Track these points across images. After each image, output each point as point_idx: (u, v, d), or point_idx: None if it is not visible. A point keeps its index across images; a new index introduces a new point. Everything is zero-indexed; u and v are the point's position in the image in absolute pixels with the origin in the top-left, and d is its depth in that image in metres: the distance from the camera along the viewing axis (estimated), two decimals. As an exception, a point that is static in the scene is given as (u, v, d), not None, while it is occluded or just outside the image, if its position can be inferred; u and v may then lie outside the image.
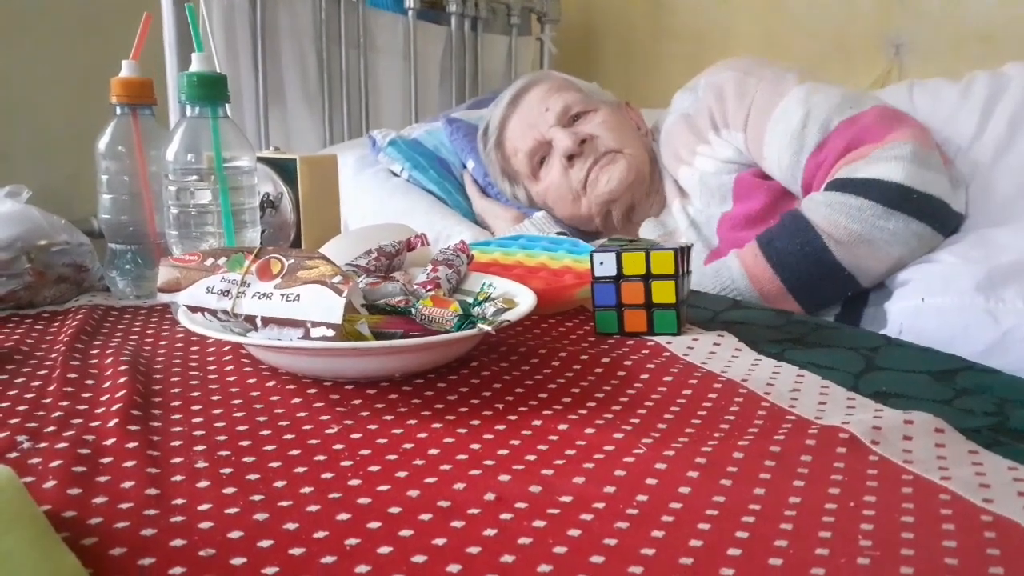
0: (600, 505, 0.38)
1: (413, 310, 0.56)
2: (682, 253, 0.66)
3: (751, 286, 0.89)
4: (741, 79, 1.02)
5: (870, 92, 1.02)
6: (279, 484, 0.40)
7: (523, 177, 1.16)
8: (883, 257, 0.85)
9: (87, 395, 0.52)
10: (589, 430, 0.47)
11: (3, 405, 0.51)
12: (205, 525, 0.36)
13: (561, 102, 1.12)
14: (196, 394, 0.53)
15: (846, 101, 0.94)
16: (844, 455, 0.43)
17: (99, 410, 0.49)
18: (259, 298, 0.52)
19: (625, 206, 1.12)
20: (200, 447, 0.44)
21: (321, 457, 0.43)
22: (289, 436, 0.46)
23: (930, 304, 0.78)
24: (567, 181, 1.10)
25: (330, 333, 0.50)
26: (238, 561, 0.33)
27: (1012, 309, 0.74)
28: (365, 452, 0.44)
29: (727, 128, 1.03)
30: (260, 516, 0.37)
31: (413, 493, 0.39)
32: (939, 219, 0.84)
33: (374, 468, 0.42)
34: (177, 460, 0.42)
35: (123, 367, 0.56)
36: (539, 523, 0.36)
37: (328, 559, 0.33)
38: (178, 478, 0.40)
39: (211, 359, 0.60)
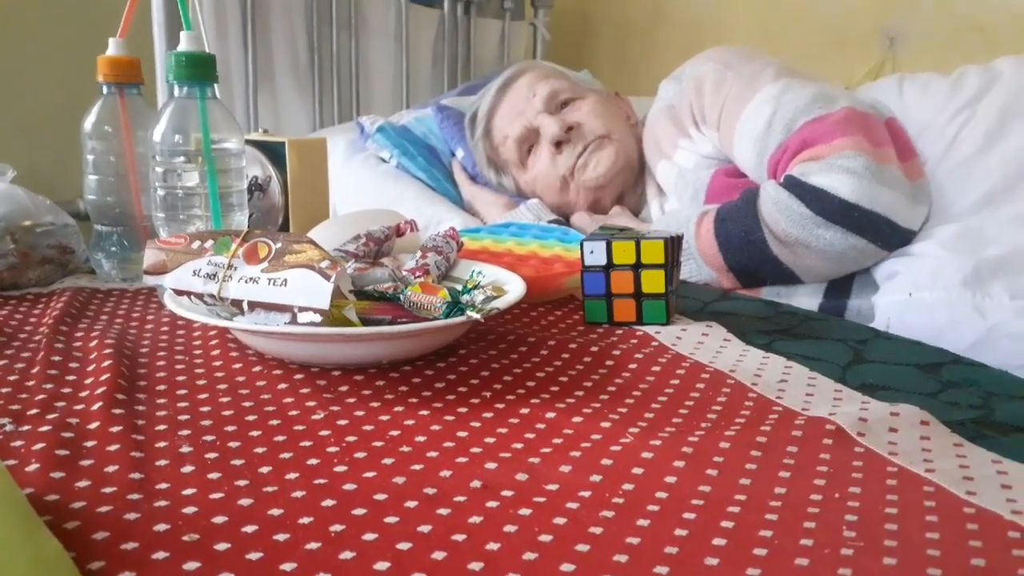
0: (586, 494, 0.38)
1: (401, 296, 0.56)
2: (673, 243, 0.66)
3: (697, 251, 0.90)
4: (720, 73, 1.01)
5: (848, 91, 1.00)
6: (264, 470, 0.40)
7: (511, 166, 1.15)
8: (820, 262, 0.85)
9: (71, 378, 0.52)
10: (576, 419, 0.47)
11: (-15, 387, 0.50)
12: (189, 510, 0.36)
13: (548, 88, 1.12)
14: (181, 378, 0.52)
15: (816, 101, 0.91)
16: (830, 446, 0.43)
17: (83, 393, 0.49)
18: (246, 282, 0.51)
19: (615, 194, 1.11)
20: (185, 432, 0.44)
21: (307, 443, 0.43)
22: (275, 422, 0.46)
23: (917, 299, 0.78)
24: (555, 169, 1.10)
25: (317, 318, 0.49)
26: (222, 546, 0.33)
27: (998, 304, 0.75)
28: (351, 438, 0.43)
29: (704, 124, 1.02)
30: (245, 501, 0.36)
31: (399, 480, 0.39)
32: (881, 236, 0.83)
33: (360, 454, 0.42)
34: (161, 444, 0.42)
35: (108, 350, 0.55)
36: (525, 511, 0.36)
37: (313, 545, 0.33)
38: (162, 463, 0.40)
39: (197, 343, 0.60)
